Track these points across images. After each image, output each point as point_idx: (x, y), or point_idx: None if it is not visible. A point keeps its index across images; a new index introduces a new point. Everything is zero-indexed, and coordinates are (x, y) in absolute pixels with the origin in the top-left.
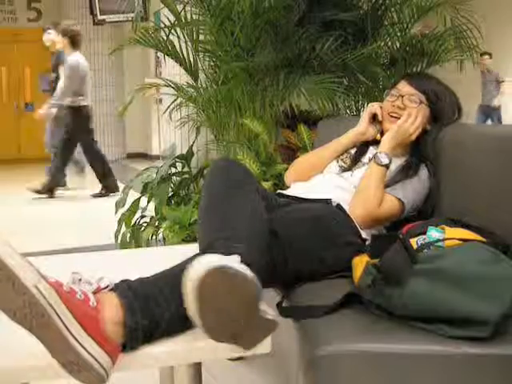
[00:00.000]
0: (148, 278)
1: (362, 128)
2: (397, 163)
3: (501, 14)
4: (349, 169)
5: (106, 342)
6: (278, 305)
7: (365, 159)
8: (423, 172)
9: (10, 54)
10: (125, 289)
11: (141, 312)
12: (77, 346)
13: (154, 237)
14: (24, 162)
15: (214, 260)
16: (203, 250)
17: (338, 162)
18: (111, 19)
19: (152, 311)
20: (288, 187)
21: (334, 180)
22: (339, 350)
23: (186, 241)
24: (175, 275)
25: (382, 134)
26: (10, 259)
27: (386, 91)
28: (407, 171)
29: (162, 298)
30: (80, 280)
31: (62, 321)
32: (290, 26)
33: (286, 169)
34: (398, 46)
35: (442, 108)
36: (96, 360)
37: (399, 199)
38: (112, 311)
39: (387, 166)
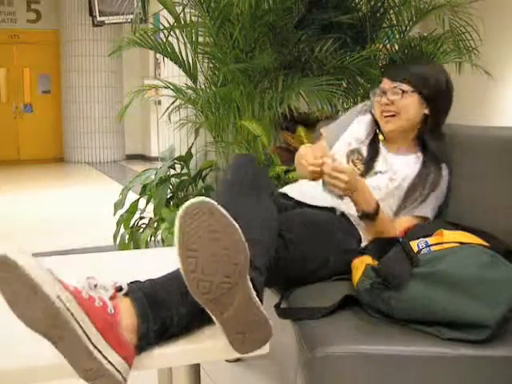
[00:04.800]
0: (158, 279)
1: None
2: (409, 158)
3: (499, 16)
4: (360, 175)
5: (123, 349)
6: (277, 306)
7: (377, 166)
8: (445, 173)
9: (9, 55)
10: (138, 293)
11: (153, 318)
12: (97, 355)
13: (152, 238)
14: (23, 163)
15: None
16: None
17: (348, 162)
18: (110, 21)
19: (163, 316)
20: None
21: None
22: (337, 351)
23: None
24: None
25: (382, 134)
26: (32, 269)
27: (371, 92)
28: (436, 183)
29: (172, 301)
30: (96, 286)
31: (83, 330)
32: (288, 28)
33: (285, 171)
34: (397, 48)
35: (429, 88)
36: (115, 368)
37: (426, 217)
38: (127, 318)
39: (378, 211)
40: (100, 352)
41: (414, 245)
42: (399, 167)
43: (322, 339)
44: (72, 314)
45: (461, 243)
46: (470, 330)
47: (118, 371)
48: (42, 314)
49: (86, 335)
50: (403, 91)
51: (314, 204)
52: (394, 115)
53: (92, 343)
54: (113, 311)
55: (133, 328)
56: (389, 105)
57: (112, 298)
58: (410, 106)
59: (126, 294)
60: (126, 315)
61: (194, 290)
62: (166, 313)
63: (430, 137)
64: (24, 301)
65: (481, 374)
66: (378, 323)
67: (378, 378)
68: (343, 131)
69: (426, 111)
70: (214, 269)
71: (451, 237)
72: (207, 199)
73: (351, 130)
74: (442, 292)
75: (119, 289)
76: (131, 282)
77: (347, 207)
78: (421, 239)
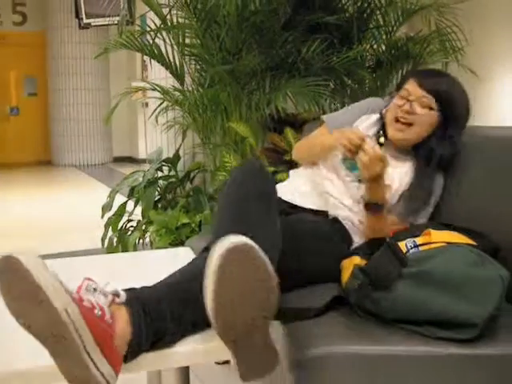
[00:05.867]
0: (156, 288)
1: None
2: (405, 165)
3: (485, 16)
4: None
5: (114, 358)
6: None
7: None
8: (438, 182)
9: None
10: (135, 303)
11: (147, 331)
12: (91, 366)
13: (140, 241)
14: (10, 166)
15: (241, 238)
16: None
17: (344, 163)
18: (97, 23)
19: (157, 328)
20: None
21: (337, 192)
22: (327, 351)
23: (172, 244)
24: (184, 290)
25: (386, 137)
26: (41, 277)
27: (391, 93)
28: (428, 197)
29: (169, 313)
30: (95, 290)
31: (83, 343)
32: (275, 30)
33: (273, 172)
34: (384, 48)
35: (453, 113)
36: (104, 378)
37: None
38: (122, 328)
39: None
40: (94, 363)
41: (403, 245)
42: (395, 174)
43: (311, 340)
44: (76, 329)
45: (448, 243)
46: (459, 329)
47: (107, 381)
48: (44, 322)
49: (85, 348)
50: (431, 108)
51: (309, 207)
52: (409, 124)
53: (88, 354)
54: (110, 321)
55: (125, 337)
56: (410, 114)
57: (110, 305)
58: (428, 123)
59: (122, 303)
60: (122, 325)
61: (219, 330)
62: (161, 324)
63: (437, 144)
64: (27, 307)
65: (471, 372)
66: (368, 323)
67: (369, 378)
68: (347, 125)
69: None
70: (245, 314)
71: (439, 236)
72: (249, 241)
73: (355, 128)
74: (431, 292)
75: (117, 295)
76: (128, 290)
77: (338, 213)
78: (409, 239)
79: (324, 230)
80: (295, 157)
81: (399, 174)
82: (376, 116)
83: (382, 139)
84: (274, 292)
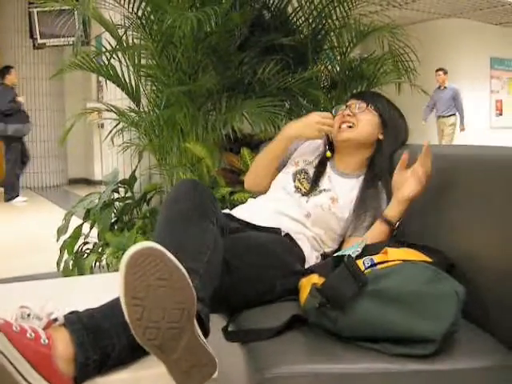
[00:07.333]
0: (97, 308)
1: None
2: (352, 181)
3: (436, 37)
4: (305, 194)
5: (58, 380)
6: (224, 329)
7: (322, 184)
8: (383, 195)
9: None
10: (75, 323)
11: (92, 347)
12: None
13: (97, 263)
14: None
15: (149, 242)
16: None
17: (294, 180)
18: (52, 43)
19: (103, 344)
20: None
21: (287, 207)
22: (286, 371)
23: None
24: None
25: (333, 150)
26: None
27: (334, 108)
28: (376, 207)
29: (113, 329)
30: (29, 315)
31: (13, 366)
32: (231, 51)
33: (230, 192)
34: (338, 69)
35: (389, 115)
36: None
37: None
38: (63, 347)
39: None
40: None
41: (360, 263)
42: (341, 189)
43: (270, 360)
44: (2, 352)
45: (404, 260)
46: (416, 345)
47: None
48: None
49: (18, 371)
50: (367, 106)
51: (260, 224)
52: (351, 126)
53: (24, 378)
54: (47, 341)
55: (69, 356)
56: (350, 116)
57: (46, 327)
58: (369, 122)
59: (62, 324)
60: (62, 345)
61: (140, 336)
62: (106, 341)
63: (379, 160)
64: None
65: None
66: (326, 342)
67: None
68: (294, 151)
69: (381, 137)
70: (161, 315)
71: (395, 254)
72: (152, 245)
73: (301, 151)
74: (388, 309)
75: (55, 320)
76: (69, 313)
77: (290, 228)
78: (366, 257)
79: (274, 244)
80: (247, 185)
81: (345, 194)
82: (320, 140)
83: (328, 153)
84: (186, 289)
